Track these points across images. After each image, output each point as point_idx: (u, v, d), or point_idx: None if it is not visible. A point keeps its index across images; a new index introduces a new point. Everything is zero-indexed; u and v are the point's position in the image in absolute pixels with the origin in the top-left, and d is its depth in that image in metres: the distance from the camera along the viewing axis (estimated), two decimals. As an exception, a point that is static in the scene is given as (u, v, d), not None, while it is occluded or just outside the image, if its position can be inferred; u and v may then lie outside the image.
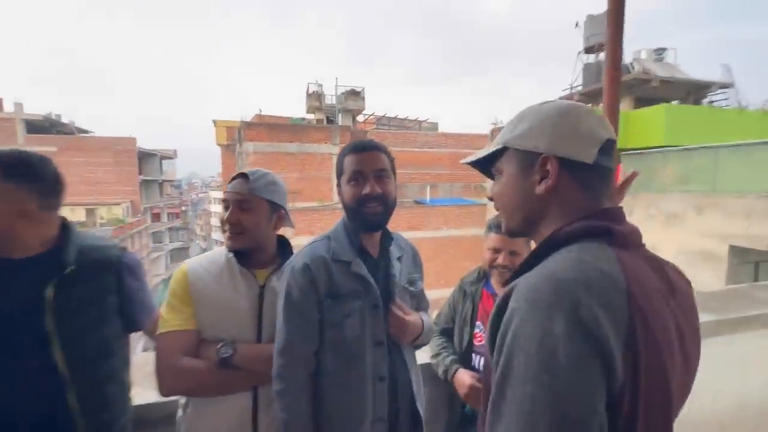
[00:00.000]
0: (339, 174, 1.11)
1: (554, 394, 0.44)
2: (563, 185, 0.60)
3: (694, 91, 14.48)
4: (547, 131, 0.61)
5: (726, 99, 14.36)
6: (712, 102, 14.38)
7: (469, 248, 14.57)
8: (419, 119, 24.68)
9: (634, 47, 15.46)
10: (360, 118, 20.43)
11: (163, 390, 1.06)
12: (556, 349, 0.45)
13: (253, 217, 1.14)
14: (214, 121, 17.59)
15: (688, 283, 0.68)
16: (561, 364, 0.44)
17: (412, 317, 1.15)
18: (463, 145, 18.70)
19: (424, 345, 1.29)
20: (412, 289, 1.22)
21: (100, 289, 1.06)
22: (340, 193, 1.13)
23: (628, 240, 0.58)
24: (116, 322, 1.11)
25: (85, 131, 27.92)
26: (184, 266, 1.14)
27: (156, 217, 31.46)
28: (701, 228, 7.26)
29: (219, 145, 17.72)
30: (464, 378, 1.30)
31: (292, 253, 1.23)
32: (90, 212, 20.63)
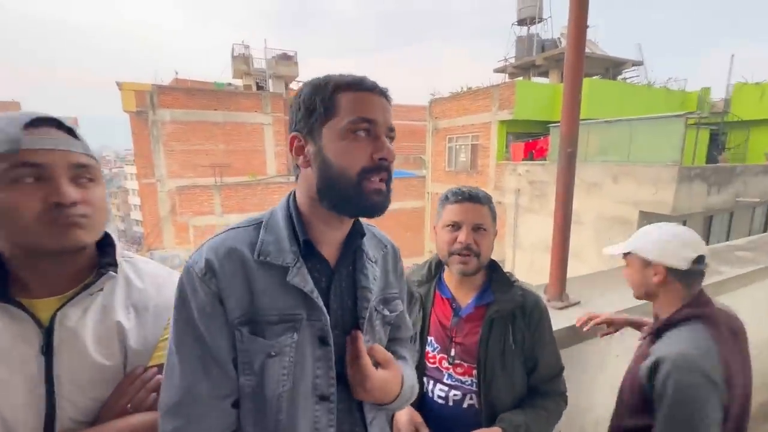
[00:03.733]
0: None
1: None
2: (668, 280, 1.03)
3: (612, 68, 15.59)
4: (660, 247, 1.03)
5: (637, 76, 15.68)
6: (626, 78, 15.63)
7: (408, 220, 14.65)
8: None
9: (561, 23, 16.09)
10: (294, 85, 19.06)
11: None
12: (703, 399, 0.88)
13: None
14: (119, 84, 15.17)
15: (741, 323, 1.06)
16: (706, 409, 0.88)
17: (386, 372, 0.72)
18: (402, 116, 18.45)
19: (398, 410, 0.88)
20: (386, 312, 0.78)
21: None
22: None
23: (714, 318, 1.00)
24: None
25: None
26: None
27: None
28: (616, 195, 7.89)
29: (127, 112, 15.41)
30: (401, 418, 0.97)
31: (112, 261, 0.73)
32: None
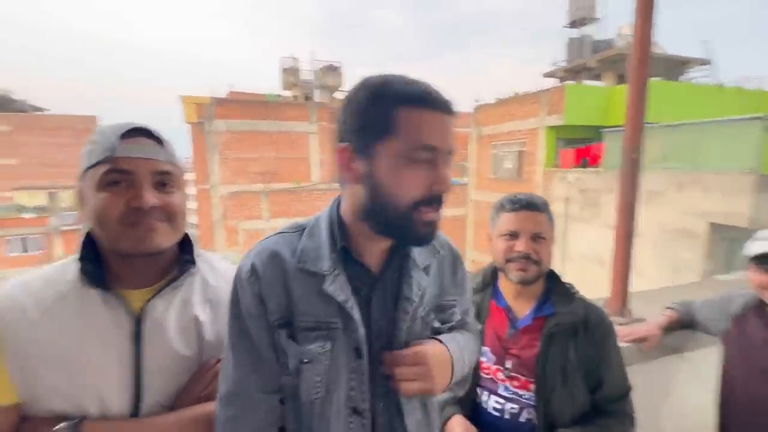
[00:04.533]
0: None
1: None
2: None
3: (674, 68, 14.47)
4: None
5: (705, 76, 14.42)
6: (692, 79, 14.42)
7: (449, 229, 14.41)
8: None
9: (617, 22, 15.22)
10: (338, 95, 19.64)
11: None
12: None
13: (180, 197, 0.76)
14: (183, 98, 16.51)
15: None
16: None
17: (427, 348, 0.68)
18: (444, 123, 18.25)
19: (460, 391, 0.82)
20: (436, 324, 0.74)
21: None
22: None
23: None
24: None
25: (40, 109, 25.96)
26: None
27: (126, 200, 29.95)
28: (681, 206, 7.25)
29: (188, 123, 16.71)
30: (454, 427, 0.94)
31: (192, 258, 0.79)
32: (51, 195, 19.35)
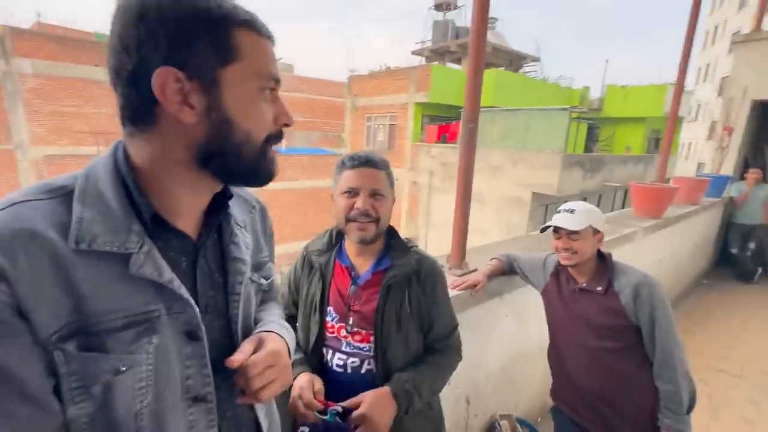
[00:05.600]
0: None
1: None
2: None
3: (515, 61, 17.05)
4: (599, 219, 1.40)
5: (535, 71, 17.45)
6: (526, 72, 17.26)
7: (327, 200, 14.37)
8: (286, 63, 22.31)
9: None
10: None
11: None
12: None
13: None
14: (-47, 21, 11.84)
15: None
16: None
17: (268, 345, 0.61)
18: (320, 91, 17.82)
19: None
20: (261, 281, 0.69)
21: None
22: None
23: None
24: None
25: None
26: None
27: None
28: (515, 178, 8.81)
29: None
30: (297, 382, 0.94)
31: None
32: None
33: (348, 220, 0.98)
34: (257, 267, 0.70)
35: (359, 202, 0.96)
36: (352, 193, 0.97)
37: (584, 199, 9.36)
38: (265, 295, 0.76)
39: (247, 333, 0.66)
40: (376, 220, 0.97)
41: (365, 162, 0.98)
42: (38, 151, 11.23)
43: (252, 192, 0.74)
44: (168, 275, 0.51)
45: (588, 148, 11.96)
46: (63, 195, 0.49)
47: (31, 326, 0.43)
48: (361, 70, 14.05)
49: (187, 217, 0.57)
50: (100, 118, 12.04)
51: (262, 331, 0.65)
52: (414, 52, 17.44)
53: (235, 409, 0.64)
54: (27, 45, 11.00)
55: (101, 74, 11.90)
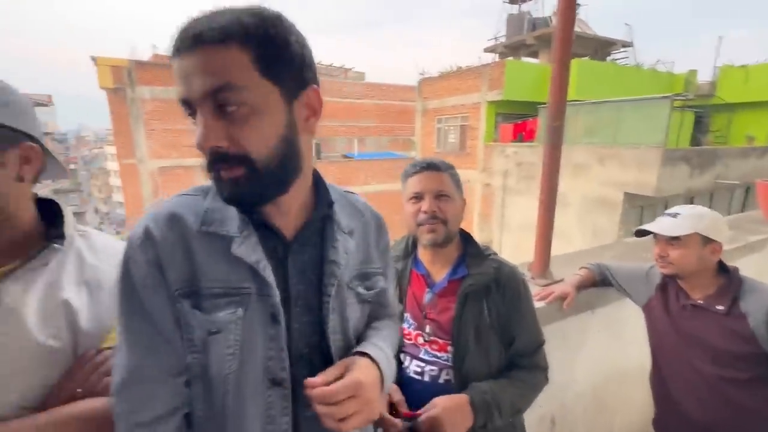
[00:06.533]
0: None
1: None
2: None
3: (600, 48, 15.51)
4: (715, 226, 1.20)
5: (626, 57, 15.65)
6: (615, 60, 15.58)
7: (398, 203, 14.58)
8: (345, 68, 23.31)
9: (553, 1, 15.82)
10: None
11: None
12: None
13: None
14: (94, 59, 14.47)
15: None
16: None
17: (353, 374, 0.60)
18: (391, 96, 18.13)
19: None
20: (361, 290, 0.71)
21: None
22: None
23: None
24: None
25: None
26: None
27: (35, 177, 26.32)
28: (602, 177, 7.98)
29: (104, 89, 14.77)
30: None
31: (60, 233, 0.68)
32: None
33: (418, 225, 0.99)
34: (363, 276, 0.72)
35: (425, 205, 0.97)
36: (418, 197, 0.99)
37: (691, 201, 8.14)
38: (376, 310, 0.78)
39: (346, 339, 0.68)
40: (444, 222, 0.97)
41: (427, 166, 1.00)
42: (154, 163, 13.17)
43: (368, 204, 0.78)
44: (256, 257, 0.59)
45: (696, 141, 10.38)
46: (204, 192, 0.64)
47: (166, 281, 0.57)
48: (431, 72, 13.96)
49: (283, 215, 0.64)
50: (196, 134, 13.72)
51: (357, 352, 0.66)
52: (486, 50, 16.86)
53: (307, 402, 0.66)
54: (146, 75, 13.01)
55: (202, 95, 13.60)
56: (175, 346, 0.58)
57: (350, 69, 23.66)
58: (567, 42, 1.52)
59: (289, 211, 0.65)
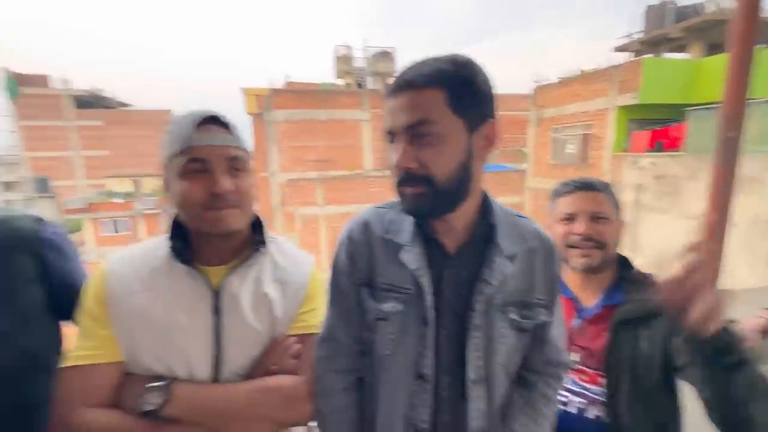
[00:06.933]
0: None
1: None
2: None
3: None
4: None
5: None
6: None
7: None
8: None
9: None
10: (391, 80, 19.51)
11: None
12: None
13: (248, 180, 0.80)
14: (244, 90, 17.49)
15: None
16: None
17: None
18: (503, 106, 17.39)
19: None
20: (514, 317, 0.73)
21: (12, 277, 0.77)
22: None
23: None
24: (46, 324, 0.83)
25: (125, 104, 28.97)
26: (101, 267, 0.77)
27: (197, 187, 32.64)
28: (784, 194, 6.26)
29: (250, 114, 17.70)
30: None
31: (263, 239, 0.85)
32: (136, 183, 21.71)
33: (568, 247, 0.92)
34: (521, 304, 0.74)
35: (578, 227, 0.91)
36: (570, 218, 0.93)
37: None
38: (535, 348, 0.79)
39: (489, 362, 0.73)
40: (601, 245, 0.89)
41: (582, 186, 0.95)
42: (282, 176, 15.12)
43: (539, 231, 0.79)
44: (417, 266, 0.71)
45: None
46: (391, 206, 0.79)
47: (355, 271, 0.77)
48: (548, 78, 12.99)
49: (448, 233, 0.74)
50: (322, 150, 15.31)
51: None
52: (618, 48, 15.00)
53: (452, 403, 0.73)
54: (279, 100, 15.12)
55: (322, 115, 15.18)
56: (357, 319, 0.77)
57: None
58: (750, 31, 1.25)
59: (454, 228, 0.73)
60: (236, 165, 0.76)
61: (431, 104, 0.63)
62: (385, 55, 19.65)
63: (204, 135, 0.73)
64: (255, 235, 0.85)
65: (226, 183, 0.73)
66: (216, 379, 0.77)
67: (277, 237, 0.91)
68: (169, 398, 0.71)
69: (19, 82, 22.46)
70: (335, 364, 0.79)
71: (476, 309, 0.70)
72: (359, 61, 19.52)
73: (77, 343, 0.74)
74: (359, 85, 18.73)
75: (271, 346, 0.80)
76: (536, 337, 0.77)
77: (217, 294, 0.77)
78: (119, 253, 0.81)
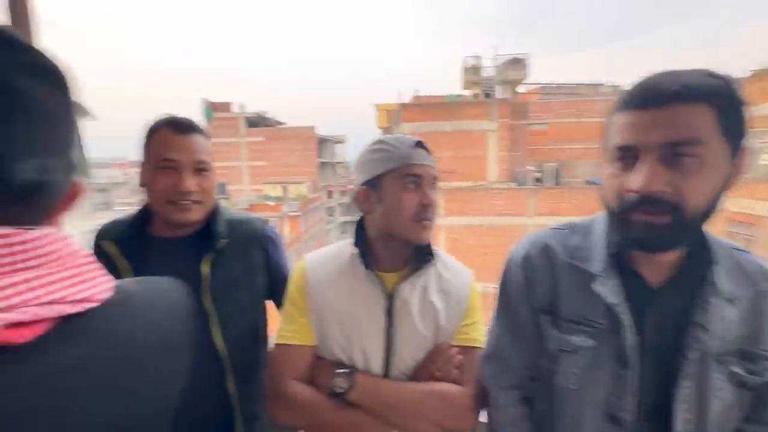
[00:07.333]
0: None
1: None
2: None
3: None
4: None
5: None
6: None
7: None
8: (596, 84, 20.79)
9: None
10: (521, 88, 18.49)
11: (272, 415, 0.84)
12: None
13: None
14: (376, 106, 18.94)
15: None
16: None
17: None
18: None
19: None
20: (737, 370, 0.62)
21: (250, 266, 1.00)
22: None
23: None
24: (263, 306, 1.06)
25: (281, 123, 34.48)
26: (302, 263, 0.91)
27: (329, 194, 36.69)
28: None
29: (380, 128, 19.03)
30: None
31: (431, 252, 0.88)
32: (285, 189, 25.57)
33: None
34: (744, 355, 0.63)
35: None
36: None
37: None
38: (759, 411, 0.65)
39: (700, 419, 0.62)
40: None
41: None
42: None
43: (761, 264, 0.67)
44: (616, 300, 0.64)
45: None
46: (572, 228, 0.76)
47: (533, 296, 0.74)
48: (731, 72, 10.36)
49: (651, 265, 0.65)
50: (445, 161, 15.39)
51: None
52: None
53: None
54: (407, 113, 15.83)
55: (447, 126, 15.30)
56: (530, 344, 0.75)
57: (601, 84, 20.88)
58: None
59: (658, 260, 0.65)
60: (434, 183, 0.86)
61: (700, 122, 0.55)
62: (516, 62, 18.72)
63: (420, 155, 0.84)
64: (423, 246, 0.89)
65: (433, 196, 0.84)
66: (386, 375, 0.84)
67: (440, 251, 0.94)
68: (353, 385, 0.80)
69: (212, 109, 28.97)
70: (502, 381, 0.79)
71: (689, 357, 0.61)
72: (488, 71, 19.09)
73: (282, 325, 0.89)
74: (486, 95, 18.28)
75: (434, 352, 0.84)
76: (762, 397, 0.63)
77: (390, 298, 0.84)
78: (314, 253, 0.95)
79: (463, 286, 0.90)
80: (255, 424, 1.01)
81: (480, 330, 0.89)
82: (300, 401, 0.80)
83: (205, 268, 0.93)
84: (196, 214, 0.93)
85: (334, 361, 0.85)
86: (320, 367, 0.85)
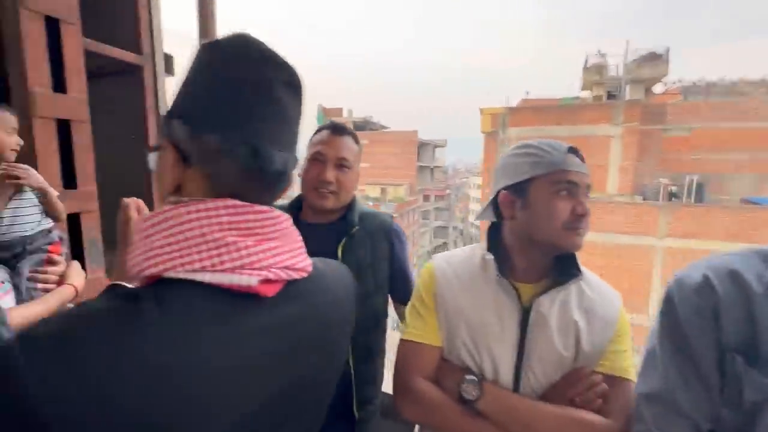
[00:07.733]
0: None
1: None
2: None
3: None
4: None
5: None
6: None
7: None
8: (760, 80, 16.79)
9: None
10: (658, 88, 15.90)
11: (398, 408, 0.84)
12: None
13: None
14: (481, 110, 18.34)
15: None
16: None
17: None
18: None
19: None
20: None
21: (376, 255, 1.08)
22: None
23: None
24: (386, 294, 1.12)
25: (385, 127, 35.95)
26: (431, 264, 0.90)
27: (425, 197, 36.90)
28: None
29: (483, 132, 18.38)
30: None
31: (577, 266, 0.81)
32: (383, 190, 26.55)
33: None
34: None
35: None
36: None
37: None
38: None
39: None
40: None
41: None
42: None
43: None
44: None
45: None
46: (761, 255, 0.62)
47: (719, 330, 0.59)
48: None
49: None
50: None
51: None
52: None
53: None
54: (515, 118, 14.96)
55: (562, 131, 13.99)
56: (711, 390, 0.60)
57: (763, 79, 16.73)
58: None
59: None
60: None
61: None
62: (653, 58, 16.15)
63: (574, 161, 0.79)
64: (568, 260, 0.82)
65: (587, 206, 0.77)
66: (515, 390, 0.78)
67: (583, 267, 0.85)
68: (482, 394, 0.76)
69: (324, 114, 31.69)
70: (671, 428, 0.64)
71: None
72: (614, 69, 16.90)
73: (410, 322, 0.89)
74: (610, 96, 16.19)
75: (573, 375, 0.76)
76: None
77: (526, 310, 0.78)
78: (443, 254, 0.93)
79: (610, 308, 0.81)
80: (368, 407, 1.08)
81: (630, 360, 0.79)
82: (427, 400, 0.79)
83: (339, 251, 1.05)
84: (331, 203, 1.05)
85: (461, 366, 0.82)
86: (447, 370, 0.82)
